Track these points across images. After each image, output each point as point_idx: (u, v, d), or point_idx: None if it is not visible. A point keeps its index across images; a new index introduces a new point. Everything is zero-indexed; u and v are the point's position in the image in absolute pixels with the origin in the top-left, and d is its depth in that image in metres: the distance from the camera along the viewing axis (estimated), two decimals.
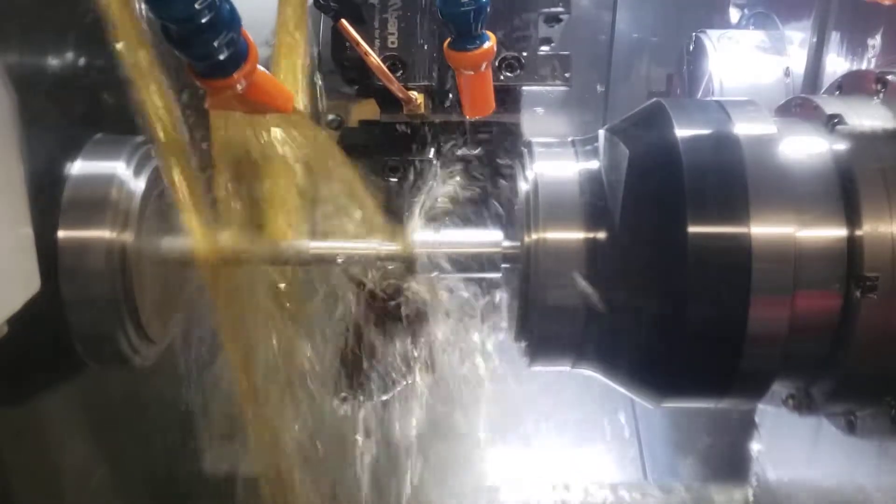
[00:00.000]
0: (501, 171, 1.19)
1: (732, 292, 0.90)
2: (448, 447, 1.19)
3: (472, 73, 1.03)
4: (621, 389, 1.04)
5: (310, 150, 1.07)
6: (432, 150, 1.23)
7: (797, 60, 1.60)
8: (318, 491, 1.23)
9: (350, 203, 1.12)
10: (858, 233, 0.92)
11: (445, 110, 1.24)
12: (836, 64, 1.38)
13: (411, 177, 1.21)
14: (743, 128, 0.96)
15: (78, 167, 1.02)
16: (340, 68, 1.23)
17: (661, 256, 0.93)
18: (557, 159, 1.05)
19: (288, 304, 1.15)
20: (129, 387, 1.28)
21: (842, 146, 0.97)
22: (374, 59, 1.13)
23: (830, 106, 1.01)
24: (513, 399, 1.15)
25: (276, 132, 1.03)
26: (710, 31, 1.79)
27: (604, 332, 0.99)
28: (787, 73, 1.64)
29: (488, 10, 0.94)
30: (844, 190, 0.94)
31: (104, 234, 1.00)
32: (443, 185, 1.15)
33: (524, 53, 1.21)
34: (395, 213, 1.19)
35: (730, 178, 0.92)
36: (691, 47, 1.83)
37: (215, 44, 0.74)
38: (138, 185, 1.04)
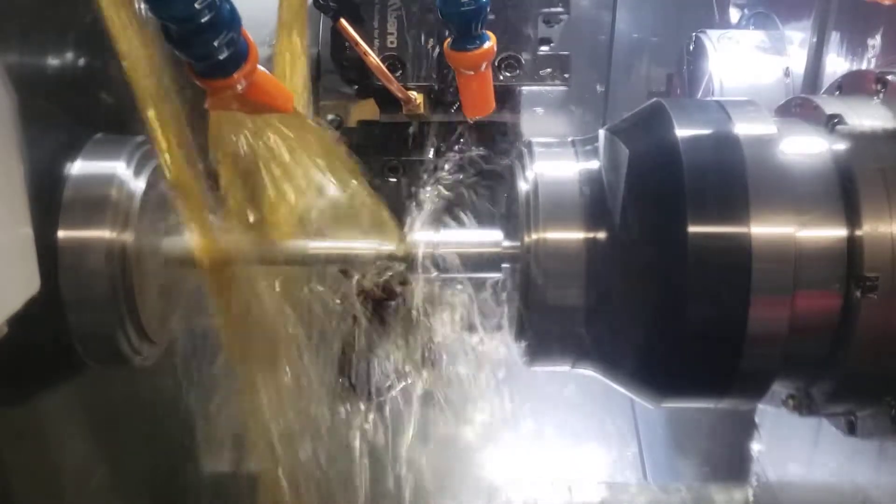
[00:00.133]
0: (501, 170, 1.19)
1: (732, 292, 0.90)
2: (448, 447, 1.19)
3: (472, 73, 1.03)
4: (621, 389, 1.04)
5: (310, 149, 1.07)
6: (431, 149, 1.23)
7: (797, 60, 1.60)
8: (318, 491, 1.23)
9: (351, 202, 1.12)
10: (858, 233, 0.92)
11: (445, 110, 1.24)
12: (836, 64, 1.38)
13: (411, 177, 1.21)
14: (743, 128, 0.96)
15: (78, 167, 1.02)
16: (340, 68, 1.23)
17: (662, 256, 0.93)
18: (557, 159, 1.05)
19: (287, 304, 1.15)
20: (129, 387, 1.28)
21: (842, 146, 0.97)
22: (374, 58, 1.13)
23: (830, 106, 1.01)
24: (512, 399, 1.15)
25: (277, 132, 1.03)
26: (710, 31, 1.79)
27: (604, 331, 0.99)
28: (787, 73, 1.64)
29: (488, 9, 0.94)
30: (844, 190, 0.94)
31: (104, 234, 1.00)
32: (442, 185, 1.14)
33: (524, 53, 1.21)
34: (395, 212, 1.19)
35: (730, 178, 0.92)
36: (691, 47, 1.83)
37: (215, 44, 0.74)
38: (138, 185, 1.04)
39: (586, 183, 1.00)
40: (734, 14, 1.94)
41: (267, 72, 0.84)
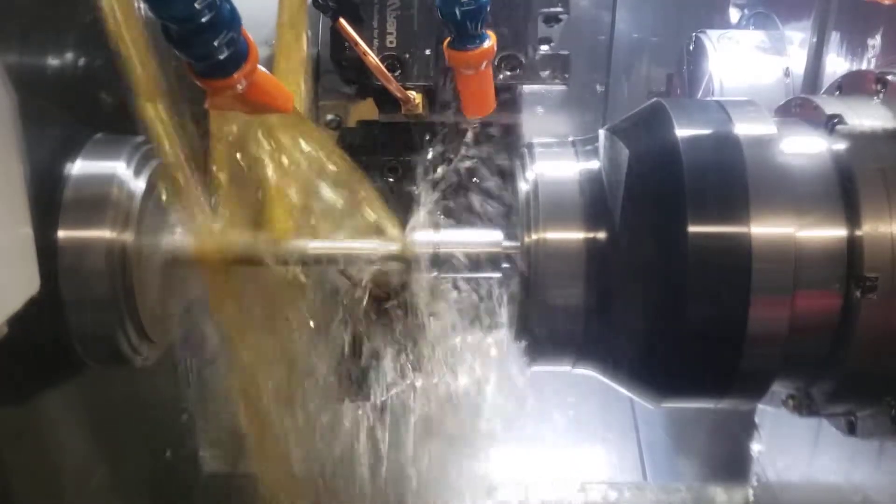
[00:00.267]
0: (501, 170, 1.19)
1: (732, 292, 0.90)
2: (447, 446, 1.19)
3: (472, 72, 1.03)
4: (621, 389, 1.04)
5: (310, 149, 1.07)
6: (430, 150, 1.23)
7: (797, 60, 1.59)
8: (318, 491, 1.23)
9: (351, 202, 1.12)
10: (858, 233, 0.92)
11: (444, 110, 1.24)
12: (836, 64, 1.38)
13: (410, 177, 1.21)
14: (743, 128, 0.96)
15: (78, 167, 1.02)
16: (339, 68, 1.23)
17: (662, 256, 0.93)
18: (558, 159, 1.05)
19: (287, 304, 1.15)
20: (129, 387, 1.28)
21: (842, 146, 0.97)
22: (373, 58, 1.13)
23: (830, 106, 1.01)
24: (512, 398, 1.15)
25: (276, 132, 1.03)
26: (710, 31, 1.79)
27: (604, 331, 0.99)
28: (787, 73, 1.64)
29: (488, 9, 0.94)
30: (844, 190, 0.94)
31: (104, 234, 1.00)
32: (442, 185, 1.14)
33: (524, 53, 1.21)
34: (394, 212, 1.19)
35: (730, 178, 0.92)
36: (691, 47, 1.83)
37: (215, 43, 0.74)
38: (138, 185, 1.04)
39: (586, 183, 1.00)
40: (734, 14, 1.94)
41: (267, 72, 0.84)
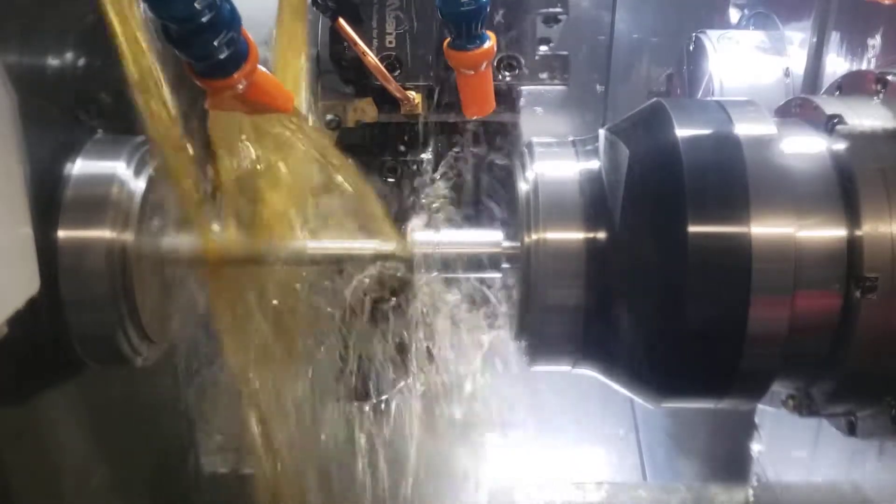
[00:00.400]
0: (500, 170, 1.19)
1: (732, 292, 0.90)
2: (447, 446, 1.19)
3: (472, 72, 1.03)
4: (621, 389, 1.04)
5: (309, 149, 1.07)
6: (430, 150, 1.23)
7: (797, 60, 1.59)
8: (318, 491, 1.23)
9: (350, 202, 1.12)
10: (858, 233, 0.92)
11: (443, 110, 1.24)
12: (836, 64, 1.38)
13: (409, 177, 1.21)
14: (743, 128, 0.96)
15: (78, 167, 1.02)
16: (338, 68, 1.23)
17: (662, 256, 0.93)
18: (558, 159, 1.05)
19: (287, 304, 1.15)
20: (129, 387, 1.28)
21: (841, 146, 0.97)
22: (372, 58, 1.13)
23: (830, 106, 1.01)
24: (512, 398, 1.15)
25: (276, 132, 1.03)
26: (710, 32, 1.79)
27: (604, 332, 0.99)
28: (787, 73, 1.64)
29: (488, 9, 0.94)
30: (844, 190, 0.94)
31: (104, 234, 1.00)
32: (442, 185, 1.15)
33: (524, 53, 1.21)
34: (394, 212, 1.19)
35: (730, 178, 0.92)
36: (691, 47, 1.83)
37: (215, 43, 0.74)
38: (138, 185, 1.04)
39: (586, 183, 1.00)
40: (734, 14, 1.93)
41: (267, 72, 0.84)
